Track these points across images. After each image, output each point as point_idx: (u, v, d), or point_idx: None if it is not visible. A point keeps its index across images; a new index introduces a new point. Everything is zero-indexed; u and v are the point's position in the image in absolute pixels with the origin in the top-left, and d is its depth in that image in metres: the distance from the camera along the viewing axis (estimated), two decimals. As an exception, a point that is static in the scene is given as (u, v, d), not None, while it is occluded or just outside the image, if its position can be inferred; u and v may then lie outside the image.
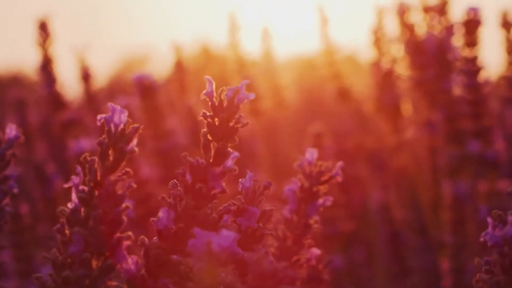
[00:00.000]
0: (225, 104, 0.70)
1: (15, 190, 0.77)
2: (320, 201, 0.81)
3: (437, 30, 1.53)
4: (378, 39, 1.70)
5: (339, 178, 0.81)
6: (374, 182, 1.85)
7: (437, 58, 1.52)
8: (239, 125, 0.70)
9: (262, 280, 0.58)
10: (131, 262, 0.68)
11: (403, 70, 1.61)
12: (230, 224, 0.71)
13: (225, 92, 0.70)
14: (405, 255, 1.60)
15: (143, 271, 0.69)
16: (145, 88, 1.48)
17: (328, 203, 0.80)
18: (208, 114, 0.70)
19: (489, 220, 0.68)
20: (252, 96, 0.70)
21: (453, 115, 1.47)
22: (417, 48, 1.56)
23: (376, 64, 1.70)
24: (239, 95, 0.70)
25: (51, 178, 1.56)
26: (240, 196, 0.72)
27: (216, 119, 0.70)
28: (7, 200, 0.78)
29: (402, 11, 1.58)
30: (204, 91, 0.70)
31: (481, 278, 0.68)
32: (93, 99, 1.76)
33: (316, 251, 0.78)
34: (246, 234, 0.71)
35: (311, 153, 0.81)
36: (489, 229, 0.67)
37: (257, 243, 0.72)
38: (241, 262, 0.64)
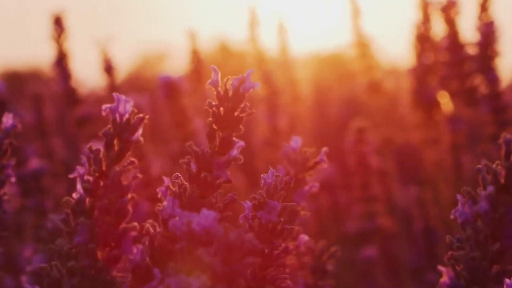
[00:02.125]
0: (230, 93, 0.69)
1: (13, 180, 0.76)
2: (306, 188, 0.80)
3: (477, 26, 1.51)
4: (422, 34, 1.67)
5: (324, 164, 0.80)
6: (401, 178, 1.84)
7: (476, 54, 1.51)
8: (244, 115, 0.69)
9: (230, 252, 0.57)
10: (136, 251, 0.68)
11: (442, 65, 1.59)
12: (251, 217, 0.71)
13: (231, 82, 0.69)
14: (439, 250, 1.58)
15: (147, 260, 0.69)
16: (171, 89, 1.47)
17: (315, 189, 0.80)
18: (213, 103, 0.69)
19: (459, 197, 0.67)
20: (257, 85, 0.69)
21: (501, 106, 1.47)
22: (456, 43, 1.54)
23: (415, 59, 1.68)
24: (245, 85, 0.69)
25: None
26: (261, 190, 0.72)
27: (221, 108, 0.69)
28: (4, 190, 0.77)
29: (446, 7, 1.56)
30: (209, 80, 0.69)
31: (454, 255, 0.68)
32: (116, 92, 1.75)
33: (304, 237, 0.77)
34: (267, 228, 0.71)
35: (295, 140, 0.81)
36: (459, 206, 0.67)
37: (278, 238, 0.72)
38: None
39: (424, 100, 1.65)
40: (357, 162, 1.51)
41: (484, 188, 0.67)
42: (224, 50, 2.63)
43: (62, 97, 1.64)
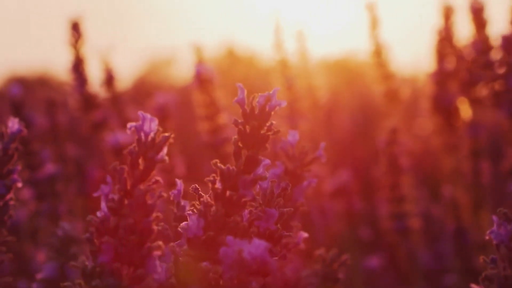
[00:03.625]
0: (256, 111, 0.69)
1: (19, 185, 0.76)
2: (305, 183, 0.79)
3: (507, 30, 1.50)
4: (443, 39, 1.66)
5: (323, 159, 0.79)
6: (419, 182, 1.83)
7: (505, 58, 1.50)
8: (270, 133, 0.68)
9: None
10: (160, 270, 0.68)
11: (466, 69, 1.58)
12: (249, 226, 0.70)
13: (257, 99, 0.69)
14: (470, 252, 1.57)
15: (172, 279, 0.68)
16: (203, 80, 1.47)
17: (313, 185, 0.79)
18: (239, 121, 0.69)
19: (494, 218, 0.66)
20: (284, 103, 0.68)
21: None
22: (487, 47, 1.53)
23: (435, 64, 1.67)
24: (271, 102, 0.68)
25: (89, 174, 1.56)
26: (257, 197, 0.71)
27: (247, 126, 0.69)
28: (11, 195, 0.76)
29: (477, 10, 1.54)
30: (236, 98, 0.69)
31: (487, 275, 0.67)
32: (117, 101, 1.75)
33: (303, 234, 0.75)
34: (265, 236, 0.70)
35: (292, 135, 0.79)
36: (494, 227, 0.66)
37: (276, 245, 0.71)
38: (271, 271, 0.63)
39: (444, 105, 1.64)
40: (389, 163, 1.50)
41: None
42: (231, 56, 2.62)
43: (78, 102, 1.64)
